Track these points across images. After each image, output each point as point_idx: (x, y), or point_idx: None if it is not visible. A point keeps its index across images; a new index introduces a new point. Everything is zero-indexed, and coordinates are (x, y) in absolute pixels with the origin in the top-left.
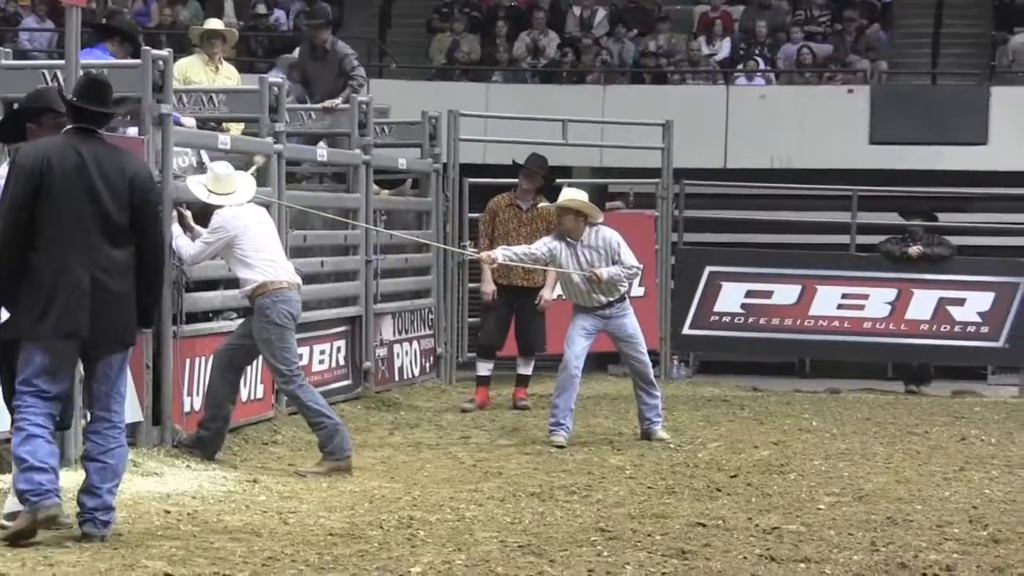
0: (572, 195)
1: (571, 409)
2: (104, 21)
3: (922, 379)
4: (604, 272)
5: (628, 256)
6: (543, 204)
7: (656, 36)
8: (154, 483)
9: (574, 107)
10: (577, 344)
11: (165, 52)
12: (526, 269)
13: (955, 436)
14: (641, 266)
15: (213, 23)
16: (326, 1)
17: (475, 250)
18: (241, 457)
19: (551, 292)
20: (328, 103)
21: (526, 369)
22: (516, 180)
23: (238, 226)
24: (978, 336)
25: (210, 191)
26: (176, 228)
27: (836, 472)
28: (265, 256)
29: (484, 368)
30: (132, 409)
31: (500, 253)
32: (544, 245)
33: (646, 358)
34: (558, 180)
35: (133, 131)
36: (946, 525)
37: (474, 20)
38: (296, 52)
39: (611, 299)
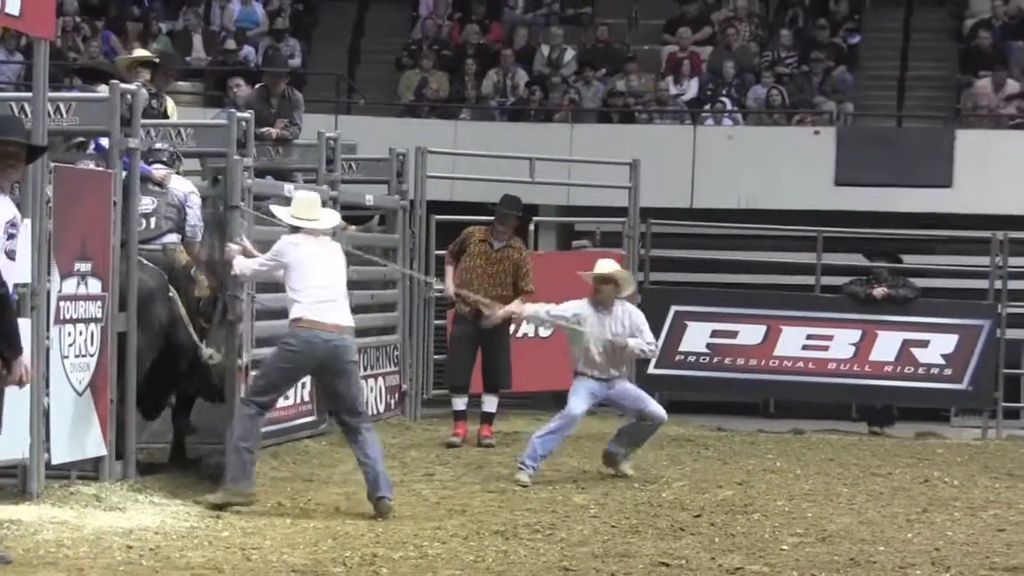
0: (610, 265)
1: (544, 455)
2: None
3: (885, 420)
4: (632, 342)
5: (649, 333)
6: (512, 245)
7: (624, 76)
8: (116, 518)
9: (542, 145)
10: (580, 408)
11: (134, 86)
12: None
13: (918, 478)
14: (658, 345)
15: (139, 52)
16: (295, 37)
17: (441, 286)
18: (204, 492)
19: (502, 315)
20: (270, 131)
21: (491, 407)
22: (482, 218)
23: (293, 257)
24: (941, 378)
25: (292, 215)
26: (237, 257)
27: (800, 512)
28: (312, 292)
29: (460, 403)
30: (96, 443)
31: (530, 309)
32: (571, 309)
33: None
34: (527, 217)
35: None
36: (909, 567)
37: (443, 58)
38: (243, 89)
39: (620, 372)
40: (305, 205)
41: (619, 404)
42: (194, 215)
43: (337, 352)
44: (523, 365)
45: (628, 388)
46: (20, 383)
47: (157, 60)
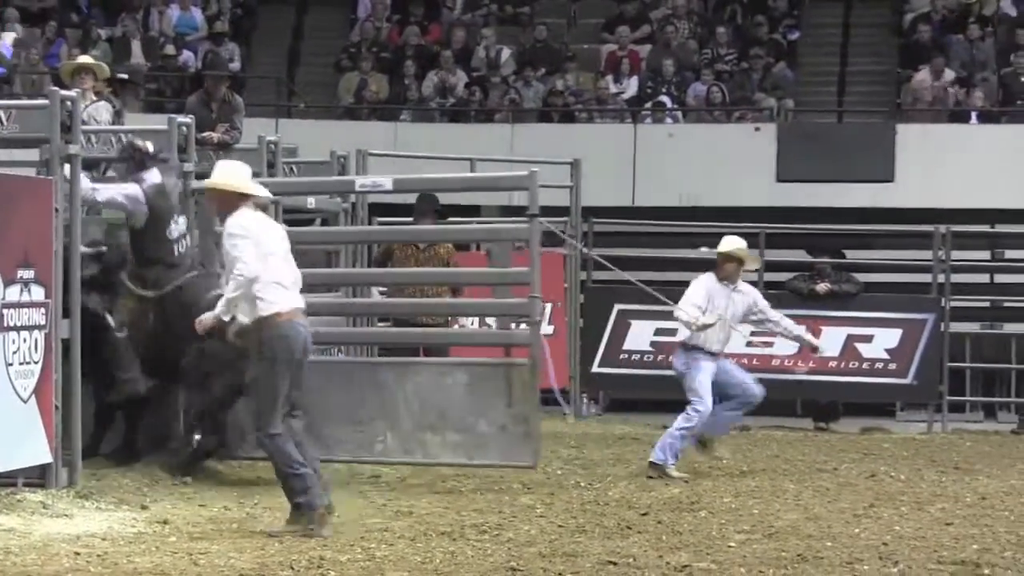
0: (736, 243)
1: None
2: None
3: (831, 416)
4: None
5: (775, 313)
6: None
7: (564, 75)
8: (64, 524)
9: (482, 146)
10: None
11: (74, 92)
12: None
13: (864, 473)
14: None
15: (82, 58)
16: (234, 41)
17: None
18: (151, 498)
19: None
20: (211, 136)
21: None
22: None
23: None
24: (886, 373)
25: (232, 185)
26: None
27: (746, 509)
28: (279, 279)
29: None
30: (42, 451)
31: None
32: (702, 288)
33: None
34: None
35: None
36: (856, 562)
37: (382, 60)
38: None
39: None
40: (236, 172)
41: (726, 381)
42: None
43: (309, 342)
44: None
45: (731, 365)
46: None
47: (126, 76)
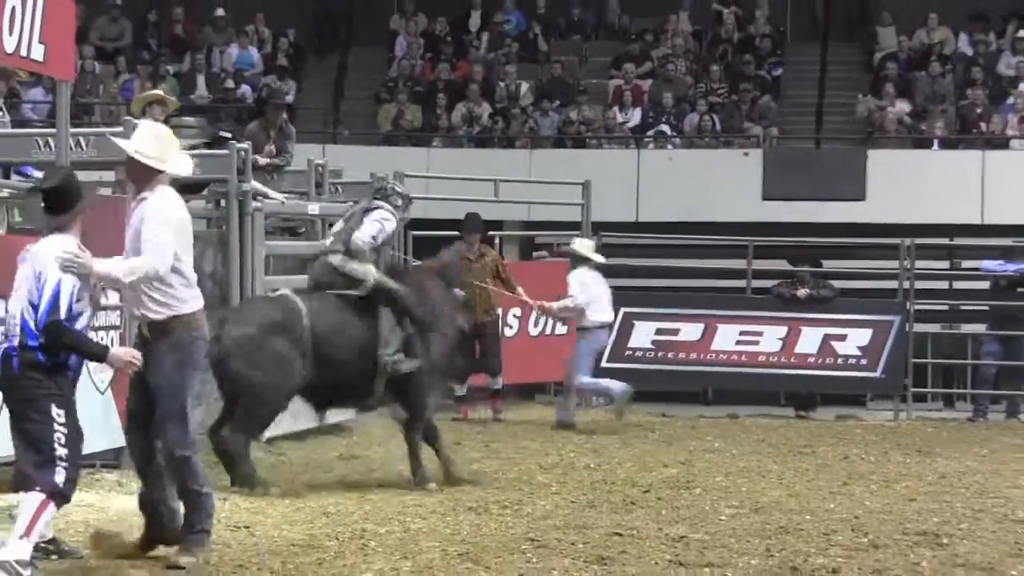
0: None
1: None
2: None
3: (810, 405)
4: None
5: None
6: (484, 253)
7: (576, 107)
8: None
9: (504, 169)
10: None
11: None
12: (485, 305)
13: (839, 455)
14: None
15: (154, 92)
16: (288, 76)
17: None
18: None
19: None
20: (263, 160)
21: (496, 384)
22: (453, 232)
23: (184, 225)
24: (858, 367)
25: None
26: None
27: (736, 487)
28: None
29: (461, 390)
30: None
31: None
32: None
33: None
34: (491, 232)
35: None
36: (832, 533)
37: (416, 92)
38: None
39: None
40: (159, 138)
41: None
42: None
43: None
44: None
45: None
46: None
47: (230, 135)
